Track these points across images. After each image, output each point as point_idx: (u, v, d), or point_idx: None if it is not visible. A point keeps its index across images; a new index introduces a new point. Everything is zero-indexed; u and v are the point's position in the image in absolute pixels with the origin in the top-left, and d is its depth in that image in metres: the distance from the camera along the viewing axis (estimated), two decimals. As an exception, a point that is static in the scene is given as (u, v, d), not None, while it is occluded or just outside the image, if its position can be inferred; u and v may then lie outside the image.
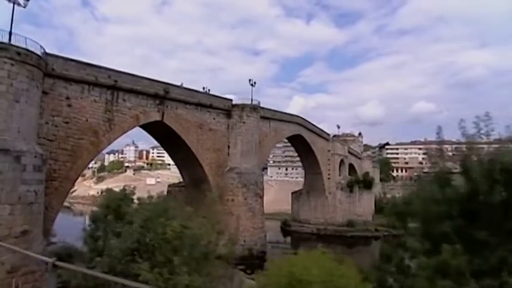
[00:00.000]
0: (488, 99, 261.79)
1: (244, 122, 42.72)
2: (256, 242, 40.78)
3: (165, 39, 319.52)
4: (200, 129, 37.51)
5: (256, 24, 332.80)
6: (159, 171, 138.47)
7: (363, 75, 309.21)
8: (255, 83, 46.72)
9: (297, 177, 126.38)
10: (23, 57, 20.48)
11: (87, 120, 25.75)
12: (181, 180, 54.79)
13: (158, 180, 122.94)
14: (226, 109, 41.65)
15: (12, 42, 20.42)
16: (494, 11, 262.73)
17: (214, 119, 40.08)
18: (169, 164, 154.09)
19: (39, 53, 21.78)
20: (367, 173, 77.03)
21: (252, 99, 44.40)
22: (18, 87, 20.19)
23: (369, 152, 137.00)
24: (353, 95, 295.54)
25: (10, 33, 20.57)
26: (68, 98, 24.54)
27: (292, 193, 78.29)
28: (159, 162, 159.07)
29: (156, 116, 31.85)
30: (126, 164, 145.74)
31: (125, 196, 17.49)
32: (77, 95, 25.19)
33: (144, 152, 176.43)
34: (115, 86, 27.76)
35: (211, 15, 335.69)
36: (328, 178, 71.45)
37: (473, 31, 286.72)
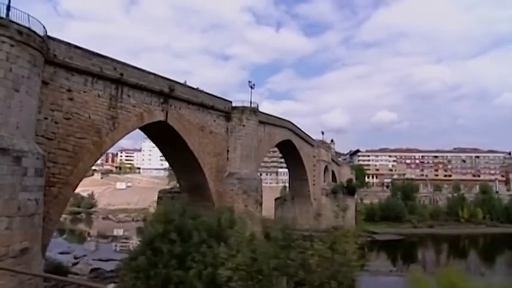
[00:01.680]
0: (442, 111, 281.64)
1: (244, 125, 40.58)
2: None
3: (133, 39, 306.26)
4: (202, 132, 34.81)
5: (226, 30, 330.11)
6: (129, 175, 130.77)
7: (329, 83, 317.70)
8: (254, 84, 45.02)
9: (271, 183, 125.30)
10: (25, 38, 16.92)
11: (89, 116, 22.24)
12: (171, 185, 51.29)
13: (129, 184, 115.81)
14: (226, 111, 39.29)
15: (11, 18, 16.85)
16: (450, 29, 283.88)
17: (214, 121, 37.54)
18: (138, 168, 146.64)
19: (41, 34, 18.29)
20: (350, 180, 77.75)
21: (251, 102, 42.47)
22: (18, 74, 16.61)
23: (340, 159, 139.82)
24: (319, 102, 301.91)
25: (8, 7, 16.97)
26: (69, 91, 20.95)
27: (275, 199, 76.82)
28: (128, 165, 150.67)
29: (160, 116, 28.79)
30: (93, 167, 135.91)
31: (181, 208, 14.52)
32: (80, 88, 21.65)
33: (111, 155, 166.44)
34: (120, 79, 24.47)
35: (181, 19, 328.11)
36: (313, 184, 70.93)
37: (430, 47, 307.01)
